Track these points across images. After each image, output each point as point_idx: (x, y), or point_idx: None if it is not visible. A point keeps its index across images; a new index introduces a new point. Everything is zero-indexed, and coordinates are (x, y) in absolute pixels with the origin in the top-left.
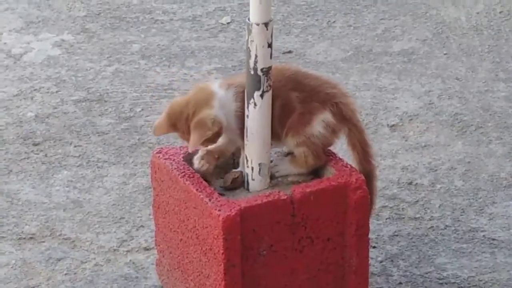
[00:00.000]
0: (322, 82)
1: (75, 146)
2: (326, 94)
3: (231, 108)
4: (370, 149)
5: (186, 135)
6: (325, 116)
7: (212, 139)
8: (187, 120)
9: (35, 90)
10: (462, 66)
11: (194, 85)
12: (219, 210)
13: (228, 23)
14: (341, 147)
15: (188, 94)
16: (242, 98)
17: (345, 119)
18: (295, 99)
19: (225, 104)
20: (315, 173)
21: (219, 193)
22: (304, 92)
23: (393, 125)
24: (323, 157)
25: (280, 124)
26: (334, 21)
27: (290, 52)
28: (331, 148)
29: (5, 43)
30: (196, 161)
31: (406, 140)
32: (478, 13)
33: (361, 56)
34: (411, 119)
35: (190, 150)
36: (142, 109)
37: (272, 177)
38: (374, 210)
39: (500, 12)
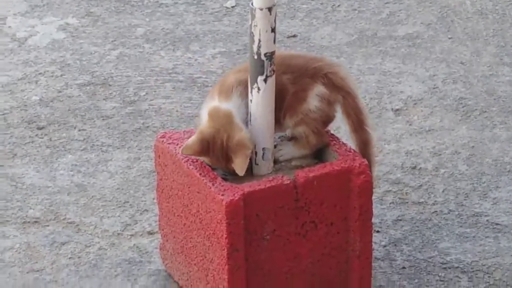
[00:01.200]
0: (307, 59)
1: (79, 130)
2: (313, 68)
3: (244, 107)
4: (364, 117)
5: (224, 162)
6: (318, 89)
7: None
8: (223, 147)
9: (39, 73)
10: (466, 50)
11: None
12: (223, 195)
13: (232, 6)
14: (345, 132)
15: (210, 122)
16: (247, 93)
17: (337, 87)
18: (287, 81)
19: (240, 111)
20: (319, 157)
21: (222, 178)
22: (294, 72)
23: (397, 109)
24: (324, 134)
25: (278, 109)
26: (338, 5)
27: (294, 36)
28: (334, 132)
29: (9, 27)
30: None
31: (410, 125)
32: None
33: (365, 40)
34: (415, 104)
35: (241, 174)
36: (147, 93)
37: (276, 161)
38: (373, 179)
39: None
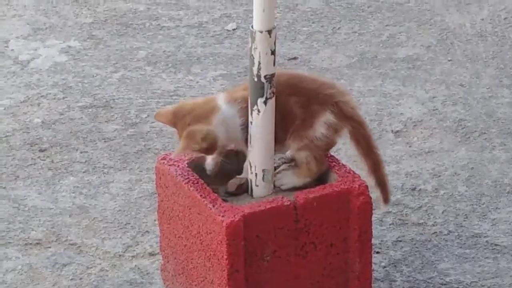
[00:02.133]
0: (319, 84)
1: (81, 152)
2: (325, 95)
3: (236, 123)
4: (373, 141)
5: (180, 137)
6: (327, 118)
7: (204, 152)
8: (184, 126)
9: (42, 96)
10: (466, 72)
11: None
12: (223, 216)
13: (233, 29)
14: (345, 153)
15: (198, 101)
16: (245, 113)
17: (347, 117)
18: (295, 104)
19: (229, 119)
20: (318, 179)
21: (222, 199)
22: (302, 96)
23: (397, 131)
24: (325, 162)
25: (282, 130)
26: (339, 28)
27: (295, 58)
28: (335, 154)
29: (12, 50)
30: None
31: (410, 146)
32: (482, 19)
33: (365, 63)
34: (415, 125)
35: (173, 156)
36: (148, 116)
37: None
38: (389, 197)
39: (504, 19)
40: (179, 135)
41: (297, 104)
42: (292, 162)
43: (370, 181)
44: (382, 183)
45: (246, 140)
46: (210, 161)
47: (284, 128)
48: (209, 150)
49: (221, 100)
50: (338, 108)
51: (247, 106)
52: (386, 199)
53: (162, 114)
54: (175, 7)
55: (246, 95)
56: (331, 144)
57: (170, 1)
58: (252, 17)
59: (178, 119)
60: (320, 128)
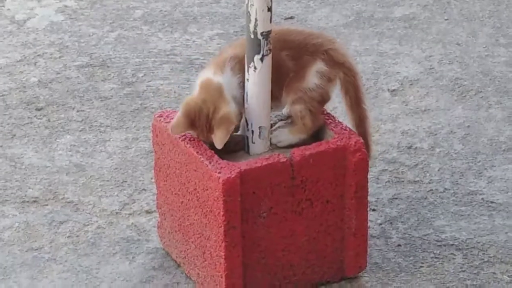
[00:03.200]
0: (306, 35)
1: (77, 111)
2: (313, 45)
3: (235, 83)
4: (362, 95)
5: (206, 133)
6: (318, 66)
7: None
8: (208, 118)
9: (38, 55)
10: (462, 32)
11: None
12: (219, 173)
13: None
14: (342, 111)
15: (199, 93)
16: (240, 68)
17: (338, 63)
18: (286, 58)
19: (230, 86)
20: (315, 136)
21: (219, 156)
22: (292, 49)
23: (393, 90)
24: (320, 117)
25: (277, 86)
26: None
27: (292, 17)
28: (331, 112)
29: (8, 9)
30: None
31: (406, 105)
32: None
33: (362, 22)
34: (411, 84)
35: (219, 147)
36: (145, 75)
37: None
38: (371, 154)
39: None
40: (203, 130)
41: (288, 57)
42: (288, 120)
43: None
44: (364, 139)
45: (243, 98)
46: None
47: (279, 83)
48: (237, 125)
49: (215, 75)
50: (328, 56)
51: (239, 61)
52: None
53: (176, 125)
54: None
55: (233, 54)
56: (325, 95)
57: None
58: None
59: (195, 118)
60: (312, 78)
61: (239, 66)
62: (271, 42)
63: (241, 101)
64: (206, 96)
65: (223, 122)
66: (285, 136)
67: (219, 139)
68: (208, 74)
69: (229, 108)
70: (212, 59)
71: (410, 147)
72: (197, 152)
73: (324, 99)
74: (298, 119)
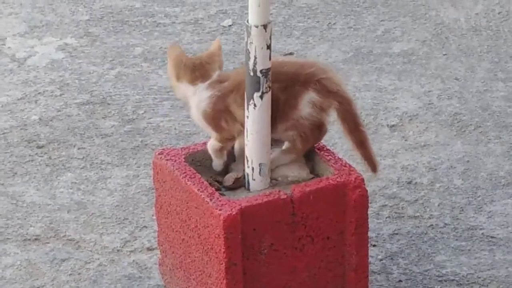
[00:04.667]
0: (299, 65)
1: (78, 149)
2: (305, 75)
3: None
4: (359, 119)
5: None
6: (310, 96)
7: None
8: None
9: (39, 93)
10: (461, 67)
11: None
12: (220, 210)
13: (229, 25)
14: (341, 147)
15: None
16: (219, 102)
17: (332, 92)
18: (277, 90)
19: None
20: (314, 172)
21: (219, 193)
22: (284, 81)
23: (393, 125)
24: (311, 140)
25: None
26: (334, 23)
27: (291, 54)
28: (331, 148)
29: (9, 47)
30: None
31: (405, 140)
32: (477, 14)
33: (361, 58)
34: (410, 119)
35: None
36: (145, 112)
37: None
38: (377, 167)
39: (499, 13)
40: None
41: (279, 89)
42: (278, 143)
43: (355, 156)
44: (368, 157)
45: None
46: (217, 162)
47: (271, 115)
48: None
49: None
50: (321, 85)
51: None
52: (374, 169)
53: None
54: (171, 3)
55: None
56: (318, 123)
57: None
58: (247, 13)
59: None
60: (305, 107)
61: (218, 97)
62: None
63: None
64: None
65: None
66: (277, 156)
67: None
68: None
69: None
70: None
71: (410, 182)
72: (198, 189)
73: (317, 127)
74: (289, 142)
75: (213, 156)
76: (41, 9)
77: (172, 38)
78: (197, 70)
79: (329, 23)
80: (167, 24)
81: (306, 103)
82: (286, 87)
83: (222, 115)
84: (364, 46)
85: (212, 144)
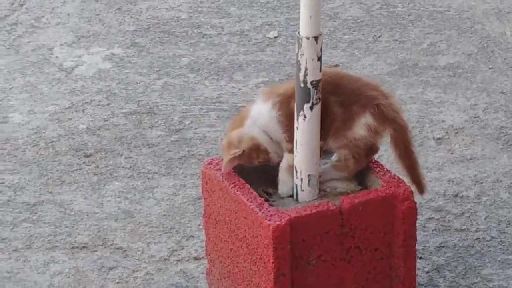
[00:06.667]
0: (361, 85)
1: (125, 158)
2: (366, 97)
3: (272, 116)
4: (411, 146)
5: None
6: (366, 120)
7: (252, 157)
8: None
9: (86, 102)
10: (507, 80)
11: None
12: (269, 220)
13: (275, 37)
14: (387, 160)
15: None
16: (284, 107)
17: (388, 119)
18: (334, 104)
19: (261, 116)
20: (363, 184)
21: (269, 204)
22: (343, 95)
23: (439, 138)
24: (363, 160)
25: (322, 130)
26: (380, 36)
27: (337, 65)
28: (378, 159)
29: (57, 57)
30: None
31: (452, 153)
32: None
33: (406, 70)
34: (456, 132)
35: (222, 170)
36: (191, 122)
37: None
38: (425, 190)
39: None
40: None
41: (336, 103)
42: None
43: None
44: (416, 181)
45: (286, 133)
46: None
47: (322, 126)
48: (255, 152)
49: (255, 103)
50: (379, 111)
51: (285, 99)
52: (421, 191)
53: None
54: (216, 15)
55: (287, 89)
56: (371, 145)
57: (212, 9)
58: (293, 25)
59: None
60: (359, 129)
61: (283, 106)
62: (322, 84)
63: (279, 136)
64: (234, 122)
65: (226, 147)
66: (328, 170)
67: (223, 164)
68: (258, 99)
69: (235, 132)
70: (269, 88)
71: (456, 195)
72: (247, 200)
73: (370, 148)
74: (342, 160)
75: (285, 176)
76: (88, 20)
77: (218, 49)
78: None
79: (375, 35)
80: (213, 35)
81: (362, 126)
82: (343, 103)
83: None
84: (410, 59)
85: (286, 161)
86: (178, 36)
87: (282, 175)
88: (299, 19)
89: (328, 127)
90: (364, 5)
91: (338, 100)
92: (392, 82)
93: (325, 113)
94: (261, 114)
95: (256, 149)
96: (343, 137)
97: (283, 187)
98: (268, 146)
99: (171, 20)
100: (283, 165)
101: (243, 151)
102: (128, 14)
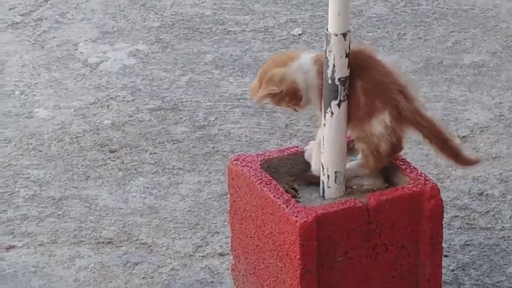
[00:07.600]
0: (390, 82)
1: (150, 154)
2: (389, 96)
3: (314, 83)
4: (446, 136)
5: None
6: (384, 117)
7: (286, 99)
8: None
9: (111, 98)
10: None
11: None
12: (296, 216)
13: (299, 34)
14: (412, 157)
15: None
16: (320, 64)
17: (406, 120)
18: (360, 89)
19: (306, 70)
20: (390, 181)
21: (295, 200)
22: (370, 84)
23: (464, 136)
24: (385, 159)
25: None
26: (404, 34)
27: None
28: (405, 156)
29: (81, 53)
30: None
31: (477, 151)
32: None
33: (431, 68)
34: (481, 131)
35: (254, 101)
36: (216, 118)
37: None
38: (479, 162)
39: None
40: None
41: (361, 90)
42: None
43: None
44: (467, 165)
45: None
46: (309, 154)
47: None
48: (290, 96)
49: (305, 54)
50: (397, 112)
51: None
52: (477, 163)
53: (252, 87)
54: (241, 12)
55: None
56: (394, 143)
57: (236, 6)
58: (317, 22)
59: (262, 80)
60: (377, 125)
61: (319, 63)
62: (354, 64)
63: (315, 103)
64: (278, 58)
65: (267, 81)
66: (353, 167)
67: (258, 95)
68: (305, 51)
69: (280, 70)
70: (317, 53)
71: (481, 194)
72: (274, 196)
73: (392, 145)
74: (362, 157)
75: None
76: (113, 15)
77: (243, 45)
78: None
79: (399, 33)
80: (237, 32)
81: (379, 122)
82: (367, 92)
83: None
84: (434, 57)
85: (319, 138)
86: (202, 32)
87: (317, 151)
88: (323, 16)
89: (351, 110)
90: (389, 3)
91: (363, 87)
92: (416, 80)
93: (352, 95)
94: (310, 72)
95: (293, 93)
96: (361, 130)
97: (318, 164)
98: (304, 94)
99: (195, 17)
100: (317, 140)
101: (281, 91)
102: (153, 10)
